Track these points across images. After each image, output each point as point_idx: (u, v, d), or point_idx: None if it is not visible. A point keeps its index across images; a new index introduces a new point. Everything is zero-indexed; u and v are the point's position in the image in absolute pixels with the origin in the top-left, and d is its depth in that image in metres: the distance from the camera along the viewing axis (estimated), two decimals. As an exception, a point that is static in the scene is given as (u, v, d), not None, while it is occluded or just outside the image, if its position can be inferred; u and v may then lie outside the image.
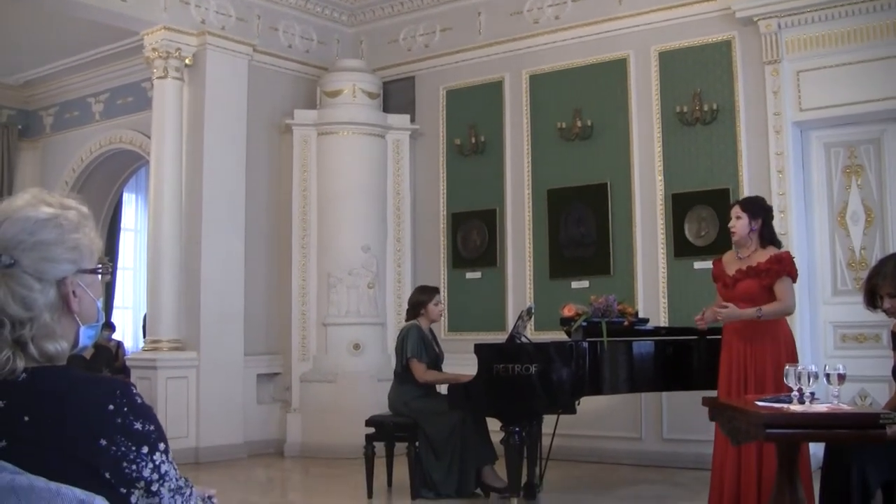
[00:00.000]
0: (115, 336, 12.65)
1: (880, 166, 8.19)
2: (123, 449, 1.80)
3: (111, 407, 1.81)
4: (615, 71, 9.27)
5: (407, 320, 7.56)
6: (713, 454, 5.97)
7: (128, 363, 9.96)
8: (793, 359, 5.76)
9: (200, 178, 9.48)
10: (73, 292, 1.91)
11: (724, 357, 6.02)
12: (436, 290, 7.61)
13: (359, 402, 9.17)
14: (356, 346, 9.78)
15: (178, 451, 8.60)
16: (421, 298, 7.52)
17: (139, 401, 1.87)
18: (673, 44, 8.95)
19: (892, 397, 4.96)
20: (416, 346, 7.24)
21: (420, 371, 7.21)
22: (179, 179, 9.53)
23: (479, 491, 7.09)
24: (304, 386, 9.83)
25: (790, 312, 5.95)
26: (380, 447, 7.32)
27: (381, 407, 7.68)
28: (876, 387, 7.65)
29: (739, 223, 6.03)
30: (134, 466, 1.81)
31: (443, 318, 9.84)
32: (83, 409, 1.80)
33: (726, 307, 5.85)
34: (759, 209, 6.08)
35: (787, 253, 6.07)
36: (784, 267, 5.90)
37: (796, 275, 6.02)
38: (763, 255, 5.95)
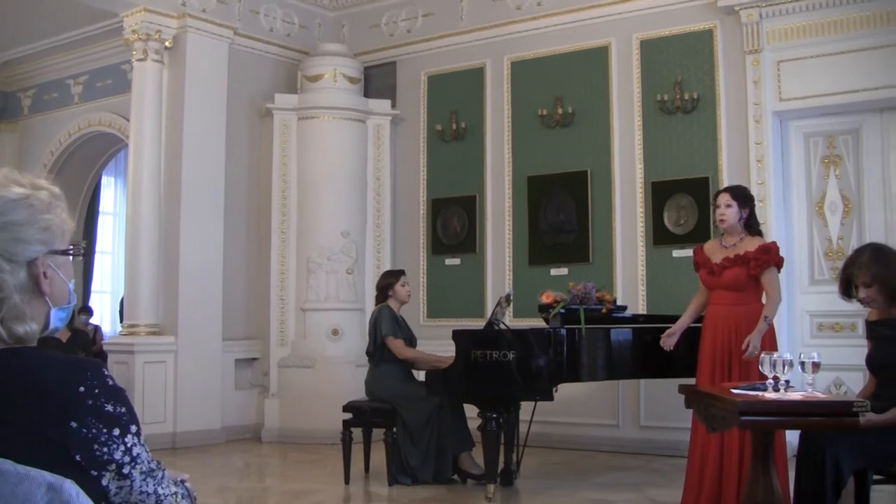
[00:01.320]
0: (93, 320, 12.58)
1: (858, 157, 8.24)
2: (94, 431, 1.79)
3: (82, 389, 1.80)
4: (596, 58, 9.27)
5: (376, 304, 7.57)
6: (691, 441, 5.99)
7: (105, 347, 9.92)
8: (774, 346, 5.81)
9: (180, 161, 9.43)
10: (44, 273, 1.90)
11: (707, 345, 6.03)
12: (401, 272, 7.67)
13: (337, 387, 9.17)
14: (335, 332, 9.78)
15: (155, 435, 8.63)
16: (388, 281, 7.55)
17: (110, 382, 1.85)
18: (654, 32, 8.96)
19: (866, 386, 5.00)
20: (390, 324, 7.26)
21: (399, 347, 7.21)
22: (158, 163, 9.48)
23: (456, 477, 7.12)
24: (282, 371, 9.82)
25: (781, 298, 5.99)
26: (357, 433, 7.30)
27: (359, 393, 7.68)
28: (851, 375, 7.71)
29: (730, 211, 6.03)
30: (105, 449, 1.80)
31: (422, 305, 9.88)
32: (53, 391, 1.78)
33: (749, 342, 5.77)
34: (747, 198, 6.11)
35: (775, 243, 6.09)
36: (772, 258, 5.93)
37: (782, 265, 6.06)
38: (751, 244, 5.97)
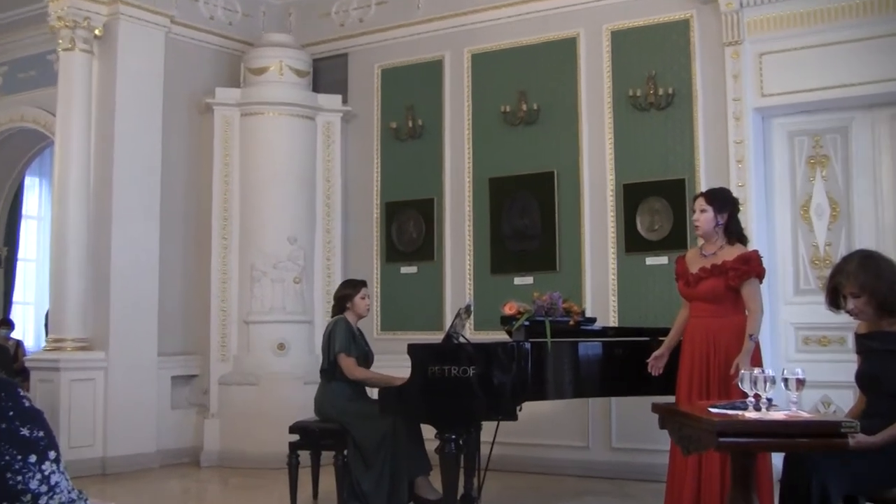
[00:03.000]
0: (14, 335, 12.43)
1: (847, 157, 8.28)
2: (8, 458, 1.75)
3: (-6, 411, 1.75)
4: (564, 51, 9.28)
5: (332, 316, 7.52)
6: (669, 464, 6.00)
7: (28, 364, 9.78)
8: (758, 362, 5.82)
9: (111, 161, 9.33)
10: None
11: (685, 359, 6.05)
12: (362, 283, 7.58)
13: (283, 406, 9.11)
14: (281, 346, 9.72)
15: (82, 461, 8.53)
16: (346, 292, 7.48)
17: (27, 404, 1.81)
18: (626, 22, 8.98)
19: (855, 404, 5.00)
20: (345, 340, 7.19)
21: (350, 366, 7.15)
22: (88, 162, 9.38)
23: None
24: (223, 389, 9.74)
25: (762, 311, 6.00)
26: (305, 455, 7.26)
27: (308, 412, 7.62)
28: (840, 393, 7.75)
29: (704, 217, 6.05)
30: (20, 477, 1.76)
31: (375, 317, 9.85)
32: (-40, 414, 1.73)
33: (737, 365, 5.75)
34: (725, 202, 6.11)
35: (756, 252, 6.10)
36: (752, 268, 5.93)
37: (764, 275, 6.07)
38: (730, 253, 5.98)
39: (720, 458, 5.55)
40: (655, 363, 6.33)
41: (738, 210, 6.21)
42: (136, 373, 9.32)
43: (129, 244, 9.37)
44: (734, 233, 6.09)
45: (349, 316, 7.40)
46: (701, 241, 6.24)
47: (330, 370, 7.23)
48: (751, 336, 5.79)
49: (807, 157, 8.44)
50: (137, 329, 9.38)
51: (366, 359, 7.38)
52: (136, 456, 9.20)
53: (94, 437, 9.03)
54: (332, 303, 7.64)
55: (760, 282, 6.06)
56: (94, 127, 9.42)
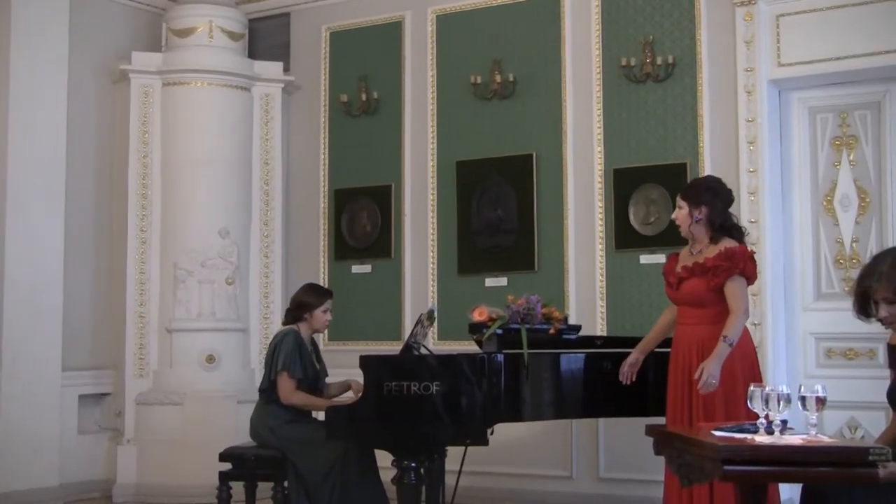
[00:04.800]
0: None
1: (879, 137, 8.28)
2: None
3: None
4: (546, 12, 9.27)
5: (284, 323, 7.48)
6: (664, 497, 6.00)
7: None
8: (752, 374, 5.85)
9: (4, 139, 9.26)
10: None
11: (671, 372, 6.13)
12: (328, 294, 7.59)
13: (212, 429, 9.11)
14: (210, 359, 9.67)
15: (-33, 498, 8.45)
16: (308, 300, 7.45)
17: None
18: (619, -22, 9.00)
19: (888, 428, 4.97)
20: (290, 357, 7.16)
21: (287, 389, 7.11)
22: (-25, 140, 9.32)
23: (365, 545, 7.06)
24: (141, 410, 9.68)
25: (747, 317, 6.06)
26: (238, 488, 7.24)
27: (242, 436, 7.62)
28: (869, 415, 7.78)
29: (680, 214, 6.32)
30: None
31: (322, 325, 9.82)
32: None
33: (702, 370, 5.83)
34: (702, 194, 6.24)
35: (742, 248, 6.16)
36: (735, 264, 5.99)
37: (753, 275, 6.11)
38: (714, 251, 6.06)
39: (707, 488, 5.57)
40: (629, 370, 6.40)
41: (726, 201, 6.28)
42: (34, 391, 9.23)
43: (26, 241, 9.30)
44: (719, 227, 6.17)
45: (303, 328, 7.39)
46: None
47: (270, 389, 7.21)
48: (724, 338, 5.84)
49: (831, 137, 8.45)
50: (37, 340, 9.30)
51: (315, 381, 7.34)
52: (34, 491, 9.11)
53: (-19, 469, 8.97)
54: (288, 306, 7.63)
55: (749, 282, 6.11)
56: (-17, 97, 9.35)
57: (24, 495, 9.01)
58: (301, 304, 7.45)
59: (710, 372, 5.74)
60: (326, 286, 9.54)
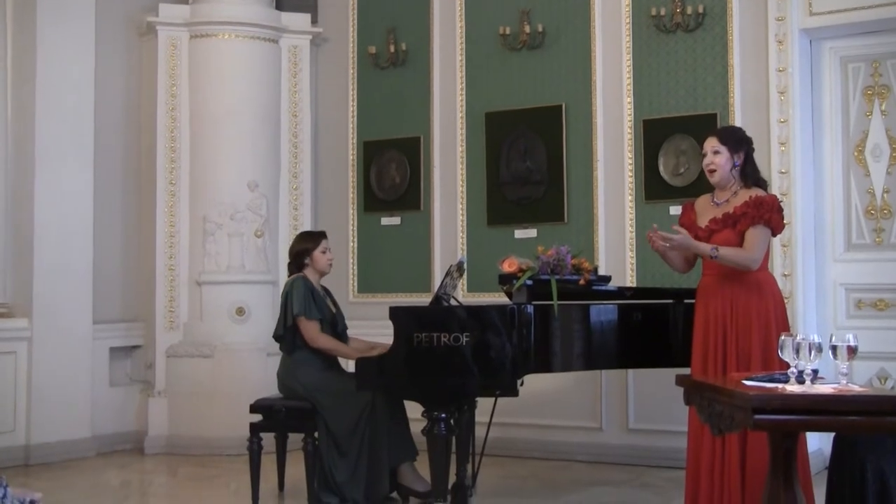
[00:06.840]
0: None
1: (912, 87, 8.25)
2: None
3: None
4: (574, -39, 9.23)
5: (290, 275, 7.52)
6: (688, 447, 6.01)
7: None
8: (783, 324, 5.81)
9: (32, 93, 9.25)
10: None
11: (699, 326, 6.04)
12: (322, 235, 7.61)
13: (243, 382, 9.17)
14: (240, 311, 9.72)
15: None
16: (304, 246, 7.48)
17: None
18: (648, -76, 8.93)
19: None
20: (305, 301, 7.19)
21: (311, 331, 7.15)
22: (4, 96, 9.33)
23: (395, 495, 7.11)
24: (171, 362, 9.75)
25: (752, 268, 5.89)
26: (269, 439, 7.27)
27: (271, 388, 7.65)
28: (900, 366, 7.79)
29: (718, 158, 6.05)
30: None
31: (351, 277, 9.86)
32: None
33: (679, 233, 5.87)
34: (741, 141, 6.11)
35: (772, 197, 6.03)
36: (762, 213, 5.87)
37: (779, 226, 5.99)
38: (741, 199, 5.98)
39: (740, 438, 5.55)
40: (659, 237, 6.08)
41: (753, 150, 6.19)
42: (66, 344, 9.28)
43: (56, 193, 9.30)
44: (751, 176, 6.08)
45: (309, 274, 7.40)
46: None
47: (288, 337, 7.24)
48: (714, 248, 5.82)
49: (863, 87, 8.39)
50: (68, 292, 9.33)
51: (333, 325, 7.37)
52: (66, 443, 9.19)
53: (13, 421, 9.00)
54: (288, 261, 7.64)
55: (774, 234, 6.01)
56: (11, 53, 9.35)
57: (56, 447, 9.09)
58: (300, 252, 7.48)
59: (676, 240, 5.85)
60: (354, 239, 9.59)
